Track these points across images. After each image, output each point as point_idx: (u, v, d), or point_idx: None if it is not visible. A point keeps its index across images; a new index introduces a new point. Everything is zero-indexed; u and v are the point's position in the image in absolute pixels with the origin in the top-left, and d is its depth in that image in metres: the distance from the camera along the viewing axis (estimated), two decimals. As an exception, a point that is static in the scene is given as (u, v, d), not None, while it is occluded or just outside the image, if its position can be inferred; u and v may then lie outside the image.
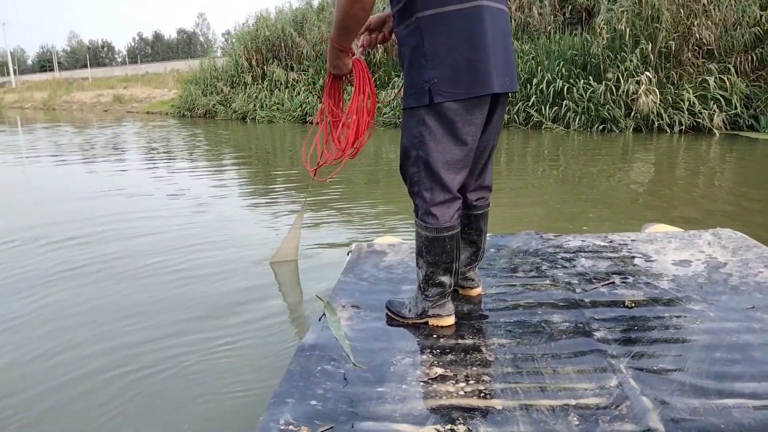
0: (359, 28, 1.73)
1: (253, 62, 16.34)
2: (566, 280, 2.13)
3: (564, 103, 10.30)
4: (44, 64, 54.12)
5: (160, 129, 14.31)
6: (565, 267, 2.26)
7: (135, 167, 8.14)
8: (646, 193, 5.43)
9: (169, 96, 20.54)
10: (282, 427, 1.27)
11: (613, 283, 2.08)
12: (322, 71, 14.51)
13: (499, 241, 2.60)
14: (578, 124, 10.07)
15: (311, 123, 13.80)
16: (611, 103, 9.85)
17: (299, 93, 14.90)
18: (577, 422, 1.29)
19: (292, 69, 15.56)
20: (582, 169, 6.74)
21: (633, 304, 1.89)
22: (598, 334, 1.69)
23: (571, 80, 10.44)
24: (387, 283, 2.21)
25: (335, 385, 1.47)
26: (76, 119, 19.32)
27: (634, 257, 2.33)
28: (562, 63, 10.70)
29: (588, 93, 10.06)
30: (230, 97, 16.56)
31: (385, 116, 12.53)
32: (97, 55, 56.78)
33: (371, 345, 1.71)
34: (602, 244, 2.52)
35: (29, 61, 63.68)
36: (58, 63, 52.17)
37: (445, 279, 1.76)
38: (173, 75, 22.08)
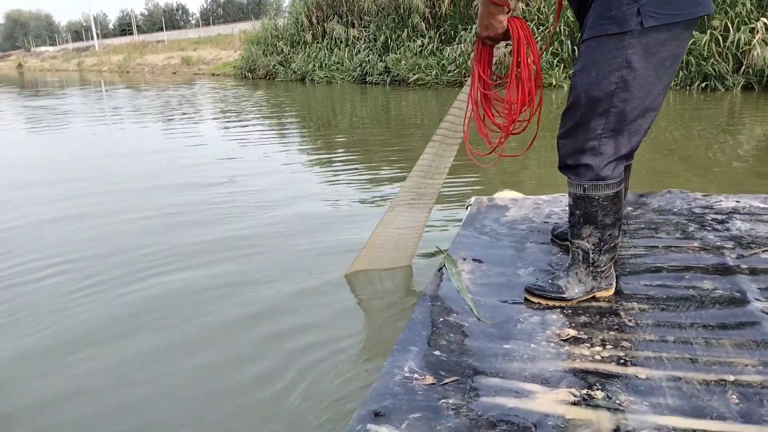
0: None
1: (314, 19, 15.65)
2: (718, 243, 1.89)
3: None
4: (124, 28, 55.32)
5: (216, 93, 13.48)
6: (717, 230, 2.00)
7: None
8: (756, 161, 4.49)
9: (234, 57, 20.25)
10: (407, 374, 1.24)
11: (776, 249, 1.81)
12: (384, 26, 13.64)
13: (637, 200, 2.37)
14: (675, 80, 8.58)
15: (371, 84, 13.12)
16: (716, 56, 8.40)
17: (359, 51, 14.10)
18: (737, 400, 1.13)
19: (352, 25, 14.79)
20: (677, 132, 5.78)
21: (803, 274, 1.63)
22: (759, 305, 1.48)
23: (668, 28, 9.12)
24: (509, 238, 2.10)
25: (459, 338, 1.42)
26: (145, 81, 19.52)
27: (803, 221, 2.02)
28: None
29: (688, 44, 8.63)
30: (290, 57, 16.07)
31: (449, 74, 11.43)
32: (173, 18, 57.23)
33: (494, 300, 1.62)
34: (762, 205, 2.20)
35: (111, 26, 65.18)
36: (137, 26, 53.38)
37: (618, 240, 1.57)
38: (240, 36, 21.49)
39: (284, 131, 7.42)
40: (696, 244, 1.89)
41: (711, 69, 8.46)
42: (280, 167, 5.06)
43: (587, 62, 1.41)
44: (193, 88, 15.26)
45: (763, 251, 1.81)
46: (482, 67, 1.68)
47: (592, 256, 1.55)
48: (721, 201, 2.27)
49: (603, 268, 1.57)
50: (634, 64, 1.36)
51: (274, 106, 10.24)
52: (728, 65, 8.37)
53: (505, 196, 2.64)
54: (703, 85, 8.55)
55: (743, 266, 1.71)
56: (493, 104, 1.71)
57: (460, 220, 2.46)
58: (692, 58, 8.54)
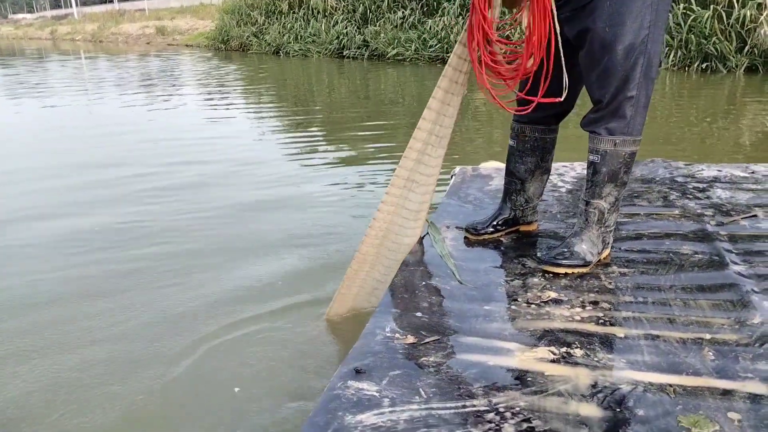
0: None
1: (290, -14, 14.55)
2: (698, 211, 1.90)
3: None
4: (107, -6, 53.04)
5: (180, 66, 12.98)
6: (698, 198, 2.02)
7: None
8: (756, 150, 4.16)
9: (210, 27, 19.26)
10: (388, 334, 1.24)
11: (755, 216, 1.83)
12: None
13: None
14: (673, 60, 7.93)
15: (348, 58, 12.37)
16: (719, 35, 7.61)
17: (337, 23, 13.25)
18: (712, 357, 1.15)
19: None
20: (672, 118, 5.33)
21: (781, 240, 1.65)
22: (737, 268, 1.50)
23: (668, 4, 8.42)
24: (493, 207, 2.09)
25: (440, 300, 1.42)
26: (114, 52, 18.78)
27: (782, 190, 2.04)
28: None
29: (688, 21, 7.79)
30: (265, 28, 15.22)
31: (430, 49, 10.67)
32: (157, -16, 54.77)
33: (477, 265, 1.62)
34: (743, 174, 2.22)
35: (92, -7, 62.59)
36: (122, -7, 51.09)
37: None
38: (219, 6, 19.70)
39: (261, 111, 7.15)
40: (677, 212, 1.90)
41: (712, 48, 7.67)
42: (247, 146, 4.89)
43: (618, 12, 1.40)
44: (154, 60, 14.68)
45: (742, 218, 1.83)
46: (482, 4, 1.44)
47: (606, 215, 1.58)
48: (702, 170, 2.29)
49: (611, 228, 1.60)
50: (659, 8, 1.40)
51: (248, 83, 9.68)
52: (731, 44, 7.58)
53: (489, 165, 2.64)
54: (704, 66, 7.79)
55: (722, 233, 1.73)
56: (497, 47, 1.49)
57: (444, 189, 2.45)
58: (692, 36, 7.81)
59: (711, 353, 1.16)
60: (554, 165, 2.49)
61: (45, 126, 6.26)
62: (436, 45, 10.76)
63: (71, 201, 3.50)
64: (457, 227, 1.89)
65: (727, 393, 1.04)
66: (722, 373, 1.10)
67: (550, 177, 2.30)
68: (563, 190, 2.21)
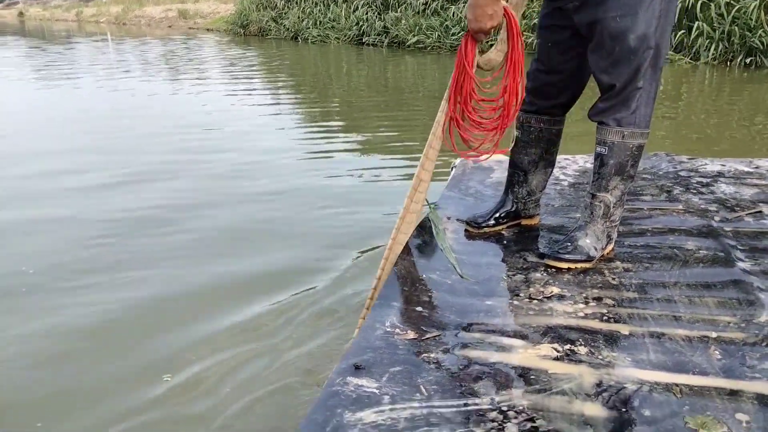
0: None
1: (311, -31, 14.26)
2: (702, 206, 1.88)
3: (695, 25, 7.52)
4: (137, -24, 52.92)
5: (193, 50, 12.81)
6: (702, 192, 1.99)
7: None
8: None
9: (231, 11, 18.99)
10: (388, 329, 1.21)
11: (760, 212, 1.81)
12: None
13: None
14: (713, 54, 7.38)
15: (367, 45, 12.01)
16: (766, 26, 7.01)
17: (357, 8, 12.82)
18: (719, 356, 1.12)
19: None
20: (712, 119, 4.91)
21: (787, 237, 1.63)
22: (742, 265, 1.48)
23: (709, -8, 7.46)
24: (494, 200, 2.06)
25: (441, 295, 1.39)
26: (134, 34, 18.75)
27: (787, 186, 2.01)
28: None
29: (732, 12, 7.21)
30: (284, 13, 14.89)
31: (453, 37, 10.13)
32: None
33: (478, 259, 1.60)
34: (747, 169, 2.20)
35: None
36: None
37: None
38: None
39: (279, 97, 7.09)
40: (681, 207, 1.88)
41: (758, 42, 7.09)
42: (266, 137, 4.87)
43: (630, 3, 1.38)
44: (168, 44, 14.53)
45: (747, 214, 1.80)
46: (470, 64, 1.47)
47: (612, 210, 1.55)
48: (706, 164, 2.26)
49: (616, 224, 1.58)
50: None
51: (266, 70, 9.49)
52: (779, 38, 7.00)
53: (491, 158, 2.60)
54: (747, 60, 7.21)
55: (727, 228, 1.71)
56: (477, 105, 1.54)
57: (446, 180, 2.42)
58: (736, 28, 7.22)
59: (717, 352, 1.14)
60: (557, 158, 2.46)
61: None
62: (459, 33, 10.12)
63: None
64: (458, 220, 1.86)
65: (734, 393, 1.02)
66: (729, 372, 1.07)
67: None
68: (565, 183, 2.18)
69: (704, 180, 2.10)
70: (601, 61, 1.45)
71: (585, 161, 2.39)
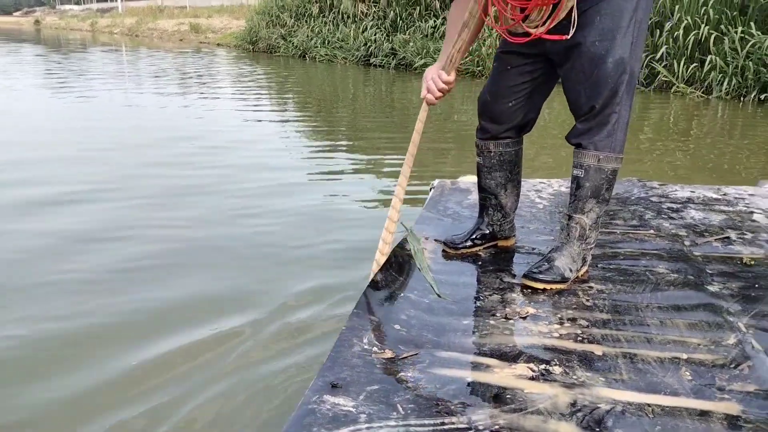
0: None
1: (322, -10, 14.40)
2: (673, 231, 1.93)
3: (708, 59, 7.37)
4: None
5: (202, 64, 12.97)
6: (672, 218, 2.05)
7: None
8: None
9: (242, 27, 19.29)
10: (366, 347, 1.21)
11: (728, 237, 1.87)
12: (395, 2, 12.42)
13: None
14: (726, 89, 7.15)
15: (374, 66, 12.01)
16: None
17: (366, 29, 12.93)
18: (690, 377, 1.15)
19: (362, 0, 13.45)
20: (724, 156, 4.67)
21: (753, 262, 1.68)
22: (711, 288, 1.52)
23: (722, 27, 7.37)
24: (471, 221, 2.08)
25: (419, 313, 1.40)
26: (148, 46, 19.00)
27: (752, 212, 2.08)
28: (710, 1, 7.53)
29: (746, 47, 7.05)
30: (293, 31, 15.07)
31: (461, 62, 10.55)
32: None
33: (455, 279, 1.61)
34: (715, 196, 2.27)
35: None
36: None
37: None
38: (254, 6, 19.72)
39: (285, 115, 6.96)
40: (652, 231, 1.92)
41: None
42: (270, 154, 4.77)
43: (608, 28, 1.42)
44: (178, 58, 14.54)
45: (715, 239, 1.86)
46: None
47: (587, 232, 1.57)
48: (676, 191, 2.33)
49: (591, 246, 1.60)
50: (641, 17, 1.43)
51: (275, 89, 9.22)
52: (796, 74, 6.80)
53: (468, 179, 2.63)
54: (762, 96, 6.98)
55: (696, 253, 1.75)
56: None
57: (423, 201, 2.44)
58: (750, 63, 7.05)
59: (688, 373, 1.16)
60: (532, 181, 2.51)
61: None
62: (466, 57, 9.91)
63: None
64: (435, 240, 1.88)
65: (704, 414, 1.04)
66: (699, 393, 1.10)
67: (528, 193, 2.32)
68: (540, 206, 2.22)
69: (674, 206, 2.16)
70: (579, 84, 1.48)
71: (560, 185, 2.44)
